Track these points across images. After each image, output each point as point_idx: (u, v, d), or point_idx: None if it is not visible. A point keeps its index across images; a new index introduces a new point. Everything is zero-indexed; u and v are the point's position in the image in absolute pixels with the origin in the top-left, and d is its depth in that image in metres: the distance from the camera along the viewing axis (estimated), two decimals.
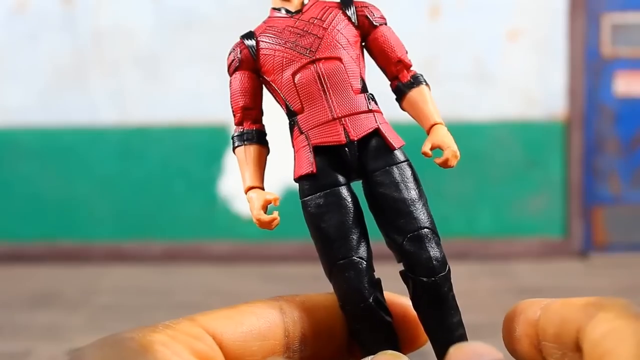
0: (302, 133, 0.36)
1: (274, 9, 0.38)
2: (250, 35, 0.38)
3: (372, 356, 0.33)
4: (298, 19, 0.37)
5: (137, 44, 2.98)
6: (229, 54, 0.38)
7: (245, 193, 0.37)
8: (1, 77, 3.01)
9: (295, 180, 0.36)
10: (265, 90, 0.38)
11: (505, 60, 2.97)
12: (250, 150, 0.37)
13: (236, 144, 0.38)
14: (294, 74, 0.36)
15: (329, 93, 0.36)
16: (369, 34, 0.38)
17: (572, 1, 2.96)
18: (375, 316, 0.35)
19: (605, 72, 3.02)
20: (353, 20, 0.37)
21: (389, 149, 0.36)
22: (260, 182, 0.37)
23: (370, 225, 0.36)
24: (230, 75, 0.38)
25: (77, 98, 3.00)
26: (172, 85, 3.00)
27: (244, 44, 0.38)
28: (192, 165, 3.05)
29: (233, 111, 0.38)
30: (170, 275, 2.86)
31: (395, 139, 0.36)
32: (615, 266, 2.88)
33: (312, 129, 0.36)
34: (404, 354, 0.33)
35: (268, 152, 0.38)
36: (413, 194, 0.35)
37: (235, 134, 0.38)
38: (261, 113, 0.39)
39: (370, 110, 0.36)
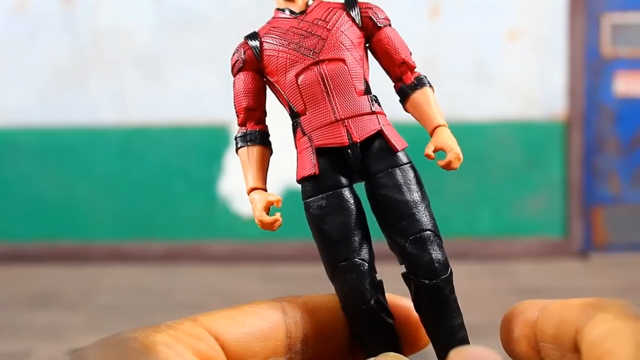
0: (305, 134, 0.36)
1: (278, 9, 0.38)
2: (254, 35, 0.38)
3: (374, 358, 0.33)
4: (302, 20, 0.37)
5: (137, 44, 2.98)
6: (233, 55, 0.38)
7: (248, 194, 0.37)
8: (1, 77, 3.01)
9: (298, 181, 0.36)
10: (268, 91, 0.38)
11: (505, 60, 2.97)
12: (253, 151, 0.37)
13: (239, 145, 0.38)
14: (297, 75, 0.36)
15: (332, 94, 0.36)
16: (373, 35, 0.38)
17: (572, 1, 2.96)
18: (376, 318, 0.35)
19: (605, 72, 3.02)
20: (357, 22, 0.37)
21: (391, 151, 0.36)
22: (263, 184, 0.37)
23: (372, 226, 0.36)
24: (234, 75, 0.38)
25: (77, 98, 3.00)
26: (172, 85, 3.00)
27: (248, 44, 0.38)
28: (192, 165, 3.05)
29: (236, 112, 0.38)
30: (170, 275, 2.86)
31: (398, 141, 0.36)
32: (615, 266, 2.88)
33: (315, 130, 0.36)
34: (406, 355, 0.33)
35: (271, 153, 0.38)
36: (415, 196, 0.35)
37: (239, 135, 0.38)
38: (264, 114, 0.38)
39: (373, 112, 0.36)
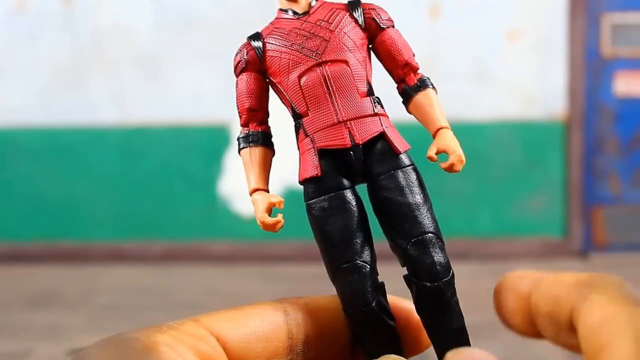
0: (307, 136, 0.36)
1: (281, 10, 0.38)
2: (257, 36, 0.38)
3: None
4: (305, 21, 0.37)
5: (137, 44, 2.98)
6: (236, 55, 0.38)
7: (250, 195, 0.37)
8: (1, 77, 3.01)
9: (300, 183, 0.36)
10: (271, 92, 0.38)
11: (505, 60, 2.98)
12: (256, 152, 0.37)
13: (241, 146, 0.38)
14: (300, 77, 0.36)
15: (335, 96, 0.36)
16: (376, 37, 0.38)
17: (572, 1, 2.96)
18: (378, 320, 0.35)
19: (605, 72, 3.02)
20: (360, 23, 0.37)
21: (394, 152, 0.36)
22: (265, 185, 0.37)
23: (374, 227, 0.36)
24: (237, 76, 0.38)
25: (77, 98, 3.00)
26: (172, 85, 3.00)
27: (251, 45, 0.37)
28: (192, 165, 3.05)
29: (239, 112, 0.38)
30: (170, 275, 2.86)
31: (400, 143, 0.36)
32: (615, 266, 2.88)
33: (317, 132, 0.36)
34: (407, 357, 0.33)
35: (273, 154, 0.38)
36: (418, 198, 0.35)
37: (241, 136, 0.38)
38: (267, 115, 0.38)
39: (376, 114, 0.36)
